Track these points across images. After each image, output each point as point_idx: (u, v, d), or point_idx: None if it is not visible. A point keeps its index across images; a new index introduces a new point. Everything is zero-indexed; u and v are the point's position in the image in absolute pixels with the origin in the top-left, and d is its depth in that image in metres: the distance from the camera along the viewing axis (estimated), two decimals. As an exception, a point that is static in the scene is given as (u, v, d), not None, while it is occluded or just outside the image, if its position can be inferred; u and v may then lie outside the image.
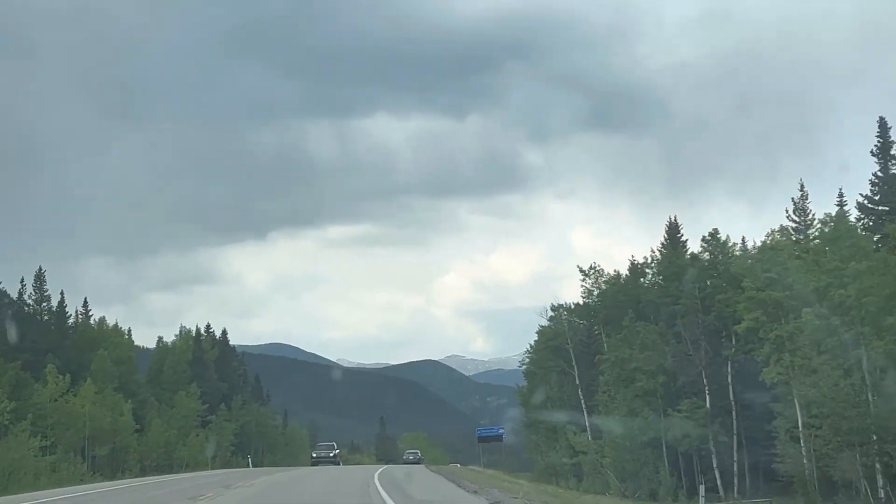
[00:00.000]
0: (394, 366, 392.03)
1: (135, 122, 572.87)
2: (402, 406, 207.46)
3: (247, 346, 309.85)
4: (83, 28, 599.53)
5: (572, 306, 79.74)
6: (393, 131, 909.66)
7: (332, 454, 72.16)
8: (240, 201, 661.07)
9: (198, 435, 78.68)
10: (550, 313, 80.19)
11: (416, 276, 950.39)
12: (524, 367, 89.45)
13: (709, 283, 62.57)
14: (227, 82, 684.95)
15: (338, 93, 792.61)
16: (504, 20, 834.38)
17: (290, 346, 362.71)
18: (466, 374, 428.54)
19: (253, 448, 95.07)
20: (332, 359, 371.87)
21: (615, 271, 77.05)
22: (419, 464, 76.68)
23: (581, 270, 77.52)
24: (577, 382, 74.99)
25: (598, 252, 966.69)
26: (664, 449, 60.38)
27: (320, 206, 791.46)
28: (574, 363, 75.53)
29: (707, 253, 65.27)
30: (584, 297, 78.69)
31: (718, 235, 65.46)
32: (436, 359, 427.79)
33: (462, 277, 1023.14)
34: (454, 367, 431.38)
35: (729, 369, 60.37)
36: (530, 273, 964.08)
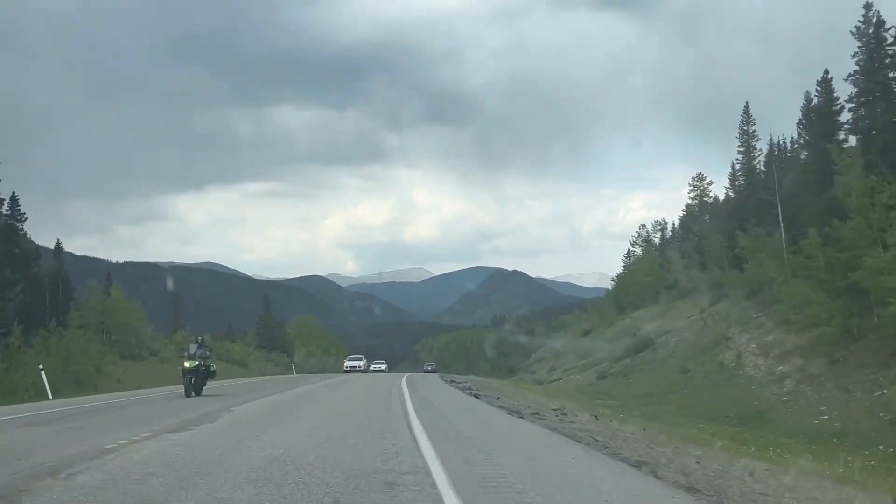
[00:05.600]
0: (289, 279, 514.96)
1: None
2: (292, 308, 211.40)
3: (186, 263, 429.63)
4: None
5: None
6: (294, 118, 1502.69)
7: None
8: (183, 162, 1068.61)
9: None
10: None
11: (307, 219, 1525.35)
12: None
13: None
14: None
15: (256, 90, 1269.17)
16: (373, 44, 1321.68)
17: (219, 264, 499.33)
18: (342, 286, 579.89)
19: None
20: (248, 273, 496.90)
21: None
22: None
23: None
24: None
25: (432, 204, 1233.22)
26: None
27: (243, 168, 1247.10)
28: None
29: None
30: None
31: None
32: (321, 274, 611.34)
33: (338, 220, 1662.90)
34: (334, 280, 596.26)
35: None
36: (384, 218, 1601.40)
